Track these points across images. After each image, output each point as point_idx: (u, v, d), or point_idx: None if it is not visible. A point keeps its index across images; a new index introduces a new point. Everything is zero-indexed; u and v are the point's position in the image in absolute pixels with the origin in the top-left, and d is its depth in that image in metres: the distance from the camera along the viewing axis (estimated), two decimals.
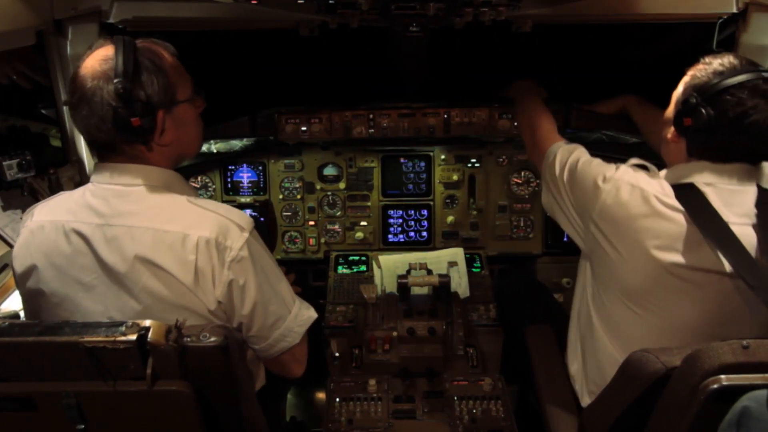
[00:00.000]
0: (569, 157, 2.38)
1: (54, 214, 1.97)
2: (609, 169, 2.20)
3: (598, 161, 2.30)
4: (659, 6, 2.72)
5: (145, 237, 1.87)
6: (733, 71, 1.96)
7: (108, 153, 1.95)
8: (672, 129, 2.13)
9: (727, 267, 1.91)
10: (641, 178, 2.11)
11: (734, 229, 1.92)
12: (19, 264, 2.00)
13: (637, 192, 2.07)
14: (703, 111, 1.94)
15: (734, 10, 2.68)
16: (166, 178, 1.99)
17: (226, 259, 1.89)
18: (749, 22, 2.69)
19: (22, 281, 2.02)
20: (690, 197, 2.00)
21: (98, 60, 1.88)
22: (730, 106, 1.91)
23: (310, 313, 2.21)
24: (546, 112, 2.80)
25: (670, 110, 2.18)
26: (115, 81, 1.82)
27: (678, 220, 2.00)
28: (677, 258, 2.00)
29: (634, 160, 2.21)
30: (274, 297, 2.07)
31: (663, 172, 2.20)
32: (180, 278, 1.87)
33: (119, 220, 1.90)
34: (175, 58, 2.03)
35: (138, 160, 1.95)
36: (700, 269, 1.99)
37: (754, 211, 1.98)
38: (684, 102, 2.04)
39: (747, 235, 1.93)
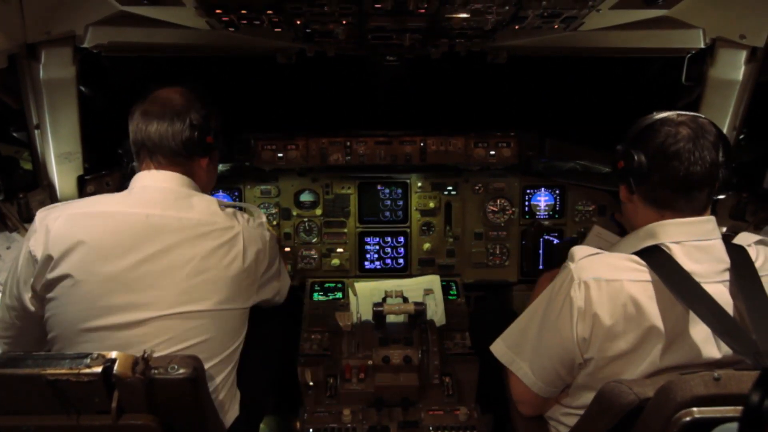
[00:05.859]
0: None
1: (98, 206, 2.19)
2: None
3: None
4: (630, 40, 2.79)
5: (201, 225, 2.22)
6: (647, 117, 2.08)
7: (164, 163, 2.30)
8: (622, 188, 2.16)
9: (716, 354, 1.91)
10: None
11: (707, 288, 1.90)
12: (57, 247, 2.07)
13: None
14: (631, 152, 2.04)
15: (702, 45, 2.77)
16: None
17: (255, 223, 2.42)
18: (716, 57, 2.78)
19: (57, 262, 2.06)
20: (658, 261, 1.97)
21: (179, 92, 2.34)
22: (654, 137, 2.00)
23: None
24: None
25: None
26: (201, 109, 2.34)
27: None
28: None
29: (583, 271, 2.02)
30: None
31: (625, 240, 2.17)
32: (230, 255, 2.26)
33: (172, 212, 2.21)
34: None
35: (189, 174, 2.34)
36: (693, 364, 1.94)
37: (724, 266, 1.97)
38: (614, 155, 2.13)
39: (721, 293, 1.93)
